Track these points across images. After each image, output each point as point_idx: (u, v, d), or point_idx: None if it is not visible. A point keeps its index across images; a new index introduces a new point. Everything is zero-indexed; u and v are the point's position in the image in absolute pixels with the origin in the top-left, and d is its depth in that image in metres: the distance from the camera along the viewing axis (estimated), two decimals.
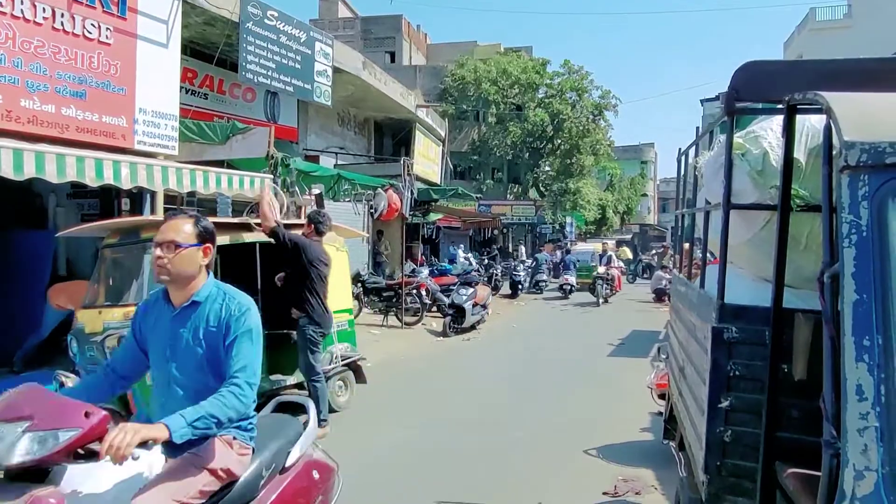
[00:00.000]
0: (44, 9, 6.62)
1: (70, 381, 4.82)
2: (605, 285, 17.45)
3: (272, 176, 8.14)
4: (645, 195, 53.93)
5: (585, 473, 4.92)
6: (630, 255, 29.91)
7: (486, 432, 5.93)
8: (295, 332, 5.80)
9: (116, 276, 5.53)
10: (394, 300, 12.20)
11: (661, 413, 5.32)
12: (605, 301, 17.27)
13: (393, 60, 34.28)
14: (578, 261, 21.06)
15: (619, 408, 6.81)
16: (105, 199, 8.61)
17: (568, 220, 32.99)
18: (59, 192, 8.85)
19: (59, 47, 6.79)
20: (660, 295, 17.01)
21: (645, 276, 26.10)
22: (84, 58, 7.03)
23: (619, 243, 32.72)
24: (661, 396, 5.35)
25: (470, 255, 21.47)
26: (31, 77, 6.53)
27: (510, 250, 30.09)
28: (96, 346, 5.00)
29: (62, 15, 6.80)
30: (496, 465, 5.06)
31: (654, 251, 30.20)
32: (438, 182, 20.34)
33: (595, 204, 37.27)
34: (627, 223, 50.84)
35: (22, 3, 6.41)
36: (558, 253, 24.53)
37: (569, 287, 19.04)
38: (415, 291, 12.31)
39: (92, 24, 7.10)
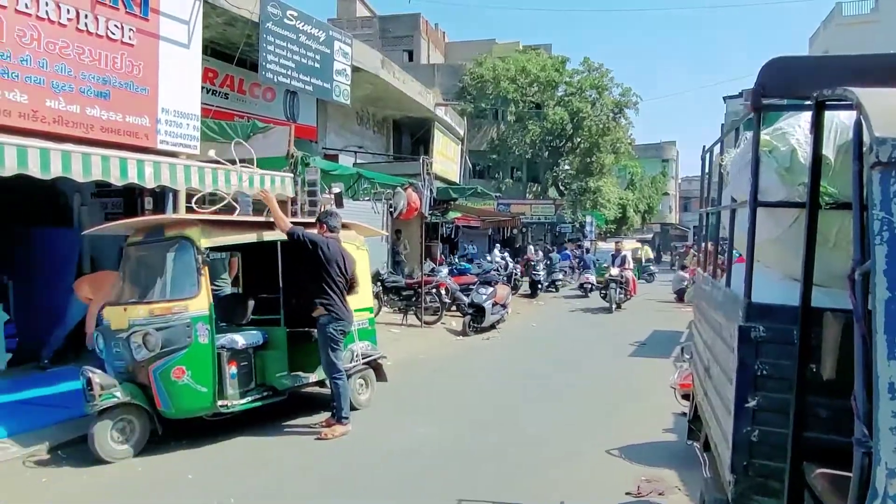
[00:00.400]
0: (68, 10, 6.71)
1: (97, 376, 4.91)
2: (618, 289, 15.72)
3: (292, 175, 8.19)
4: (666, 194, 53.44)
5: (608, 473, 4.88)
6: (652, 255, 29.58)
7: (506, 431, 5.91)
8: (315, 330, 5.82)
9: (141, 274, 5.60)
10: (413, 299, 12.21)
11: (684, 413, 5.26)
12: (619, 307, 15.61)
13: (411, 59, 34.34)
14: (598, 260, 20.92)
15: (640, 408, 6.75)
16: (128, 198, 8.72)
17: (588, 219, 32.74)
18: (84, 192, 8.98)
19: (84, 48, 6.88)
20: (681, 295, 16.78)
21: None
22: (108, 58, 7.12)
23: (643, 242, 32.32)
24: (685, 397, 5.29)
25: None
26: (56, 77, 6.63)
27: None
28: (122, 342, 5.08)
29: (86, 16, 6.89)
30: (517, 464, 5.04)
31: (675, 251, 29.81)
32: (457, 181, 20.32)
33: (615, 203, 36.99)
34: (648, 222, 50.41)
35: (47, 4, 6.51)
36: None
37: (589, 286, 18.94)
38: (434, 290, 12.31)
39: (115, 25, 7.19)
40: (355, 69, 12.18)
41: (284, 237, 5.71)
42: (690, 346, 5.12)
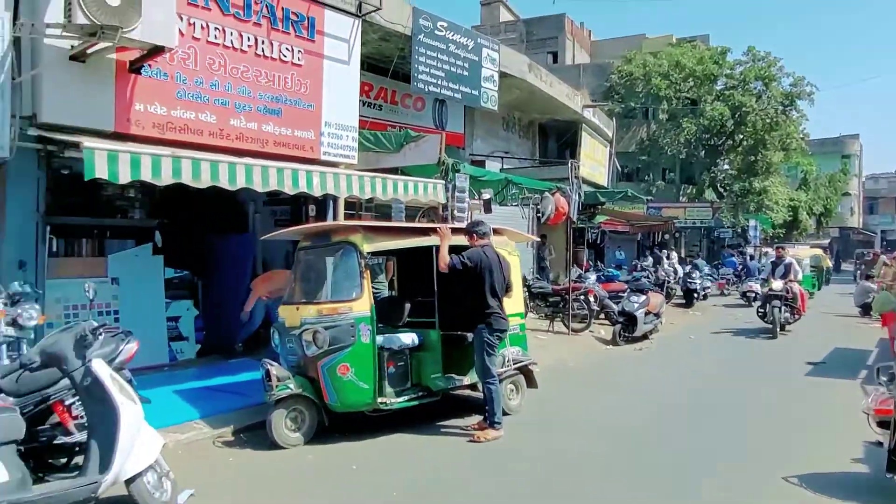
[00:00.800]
0: (248, 37, 7.47)
1: (274, 368, 5.38)
2: (782, 308, 12.34)
3: (444, 182, 8.40)
4: (847, 194, 47.57)
5: (785, 502, 4.40)
6: (830, 263, 26.25)
7: (663, 448, 5.56)
8: (469, 334, 5.90)
9: (310, 276, 6.06)
10: (560, 305, 11.98)
11: (880, 443, 4.60)
12: (782, 329, 12.43)
13: (555, 61, 33.95)
14: (762, 268, 19.16)
15: (821, 434, 6.02)
16: (294, 206, 9.47)
17: (751, 223, 29.93)
18: (257, 200, 9.88)
19: (261, 70, 7.61)
20: (867, 309, 14.72)
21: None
22: (280, 79, 7.81)
23: (822, 249, 28.84)
24: (882, 424, 4.61)
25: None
26: (239, 98, 7.40)
27: (683, 256, 28.20)
28: (294, 338, 5.51)
29: (263, 42, 7.62)
30: (678, 486, 4.72)
31: (861, 258, 26.21)
32: (605, 184, 19.72)
33: (784, 205, 33.53)
34: (825, 226, 45.12)
35: (231, 34, 7.30)
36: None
37: (752, 294, 17.38)
38: (582, 297, 11.99)
39: (286, 48, 7.86)
40: (503, 75, 12.26)
41: (438, 242, 5.84)
42: (891, 366, 4.46)
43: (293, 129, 7.98)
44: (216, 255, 9.57)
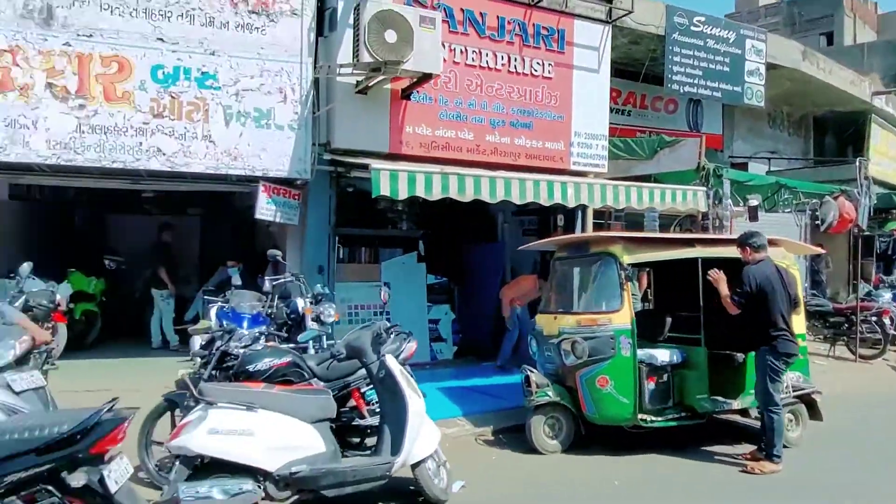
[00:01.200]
0: (502, 56, 7.86)
1: (534, 375, 5.51)
2: None
3: (704, 188, 7.80)
4: None
5: None
6: None
7: None
8: (740, 354, 5.37)
9: (567, 286, 6.08)
10: (844, 327, 10.29)
11: None
12: None
13: (830, 42, 29.51)
14: None
15: None
16: (542, 216, 9.62)
17: None
18: (506, 211, 10.25)
19: (513, 87, 7.94)
20: None
21: None
22: (531, 93, 8.05)
23: None
24: None
25: None
26: (493, 115, 7.81)
27: None
28: (553, 347, 5.57)
29: (515, 59, 7.94)
30: None
31: None
32: None
33: None
34: None
35: (486, 55, 7.74)
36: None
37: None
38: (874, 319, 10.14)
39: (537, 63, 8.08)
40: (770, 66, 11.00)
41: (705, 255, 5.45)
42: None
43: (543, 141, 8.15)
44: (470, 263, 10.18)
